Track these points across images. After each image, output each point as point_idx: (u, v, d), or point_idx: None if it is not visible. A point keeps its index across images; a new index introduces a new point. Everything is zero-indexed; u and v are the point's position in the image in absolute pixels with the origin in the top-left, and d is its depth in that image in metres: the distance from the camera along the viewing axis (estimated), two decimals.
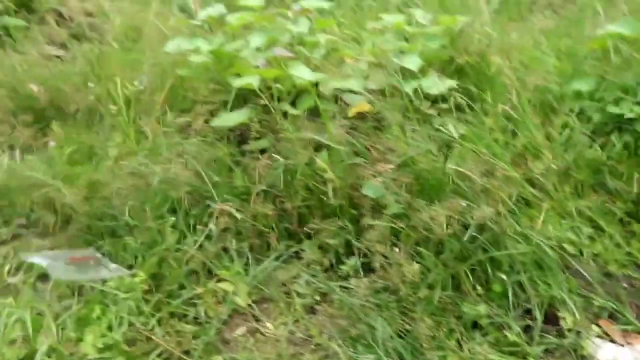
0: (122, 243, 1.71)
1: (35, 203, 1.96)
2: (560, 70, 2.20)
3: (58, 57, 3.01)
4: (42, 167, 1.99)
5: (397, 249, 1.46)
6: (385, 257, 1.47)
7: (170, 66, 2.39)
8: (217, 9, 2.42)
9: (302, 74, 1.91)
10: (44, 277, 1.71)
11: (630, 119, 1.90)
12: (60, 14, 3.49)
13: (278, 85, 2.01)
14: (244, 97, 2.08)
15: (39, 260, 1.64)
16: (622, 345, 1.41)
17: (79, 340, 1.42)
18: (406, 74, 2.10)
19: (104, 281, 1.61)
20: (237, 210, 1.62)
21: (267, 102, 1.89)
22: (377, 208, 1.66)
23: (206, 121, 2.07)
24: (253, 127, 1.96)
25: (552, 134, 1.90)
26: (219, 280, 1.62)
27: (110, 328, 1.45)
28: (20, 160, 2.16)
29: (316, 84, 2.05)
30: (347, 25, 2.69)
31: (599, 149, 1.86)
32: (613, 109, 1.95)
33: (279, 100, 1.98)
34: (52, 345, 1.38)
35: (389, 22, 2.41)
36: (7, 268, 1.74)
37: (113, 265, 1.68)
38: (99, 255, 1.73)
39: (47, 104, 2.36)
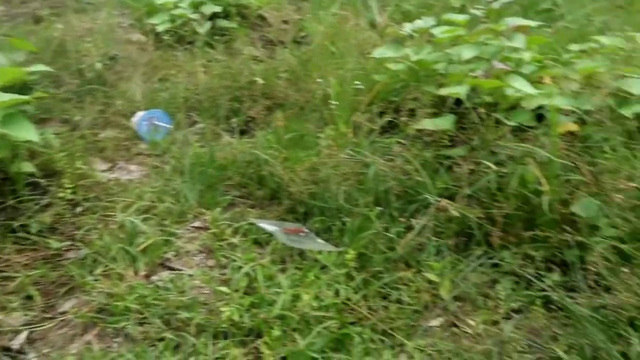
0: (331, 223, 1.89)
1: (251, 178, 2.25)
2: None
3: (263, 56, 3.40)
4: (262, 148, 2.27)
5: (625, 270, 1.41)
6: (601, 275, 1.43)
7: (371, 71, 2.59)
8: (427, 22, 2.55)
9: (524, 87, 1.93)
10: (258, 242, 1.96)
11: None
12: (264, 19, 3.94)
13: (486, 97, 2.08)
14: (435, 105, 2.17)
15: (265, 225, 1.88)
16: None
17: (297, 297, 1.60)
18: (623, 98, 2.03)
19: (313, 253, 1.80)
20: (452, 206, 1.70)
21: (475, 112, 1.96)
22: (589, 228, 1.62)
23: (408, 124, 2.20)
24: (448, 134, 2.05)
25: None
26: (418, 271, 1.71)
27: (323, 293, 1.62)
28: (239, 140, 2.49)
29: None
30: (545, 45, 2.66)
31: None
32: None
33: (485, 111, 2.04)
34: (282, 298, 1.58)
35: (603, 44, 2.34)
36: (228, 230, 2.02)
37: (321, 241, 1.86)
38: (307, 230, 1.93)
39: (264, 95, 2.69)
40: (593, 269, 1.47)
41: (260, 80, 2.64)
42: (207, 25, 3.53)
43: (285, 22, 3.95)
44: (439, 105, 2.21)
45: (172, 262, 1.90)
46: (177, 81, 3.02)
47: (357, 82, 2.27)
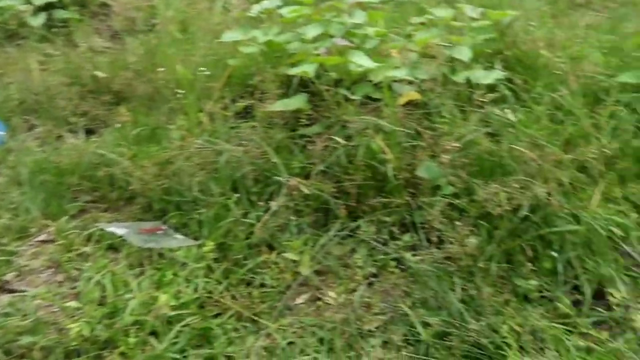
0: (188, 217, 1.82)
1: (101, 180, 2.08)
2: (606, 64, 2.25)
3: (108, 48, 3.16)
4: (109, 147, 2.11)
5: (458, 223, 1.53)
6: (441, 231, 1.55)
7: (224, 56, 2.52)
8: (273, 2, 2.52)
9: (364, 61, 1.99)
10: (113, 248, 1.83)
11: None
12: (109, 7, 3.66)
13: (333, 74, 2.12)
14: (290, 85, 2.18)
15: (115, 229, 1.76)
16: None
17: (155, 299, 1.52)
18: (455, 65, 2.19)
19: (173, 251, 1.72)
20: (303, 184, 1.71)
21: (323, 89, 1.99)
22: (432, 189, 1.74)
23: (261, 107, 2.18)
24: (305, 113, 2.07)
25: (599, 123, 1.95)
26: (280, 253, 1.71)
27: (182, 291, 1.55)
28: (84, 141, 2.29)
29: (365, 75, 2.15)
30: (390, 19, 2.79)
31: None
32: None
33: (335, 87, 2.08)
34: (133, 303, 1.48)
35: (437, 16, 2.50)
36: (78, 239, 1.86)
37: (180, 236, 1.79)
38: (165, 227, 1.84)
39: (109, 90, 2.50)
40: (435, 226, 1.58)
41: (101, 74, 2.44)
42: (41, 17, 3.18)
43: (134, 8, 3.70)
44: (295, 85, 2.21)
45: (12, 283, 1.71)
46: (8, 82, 2.70)
47: (203, 69, 2.19)
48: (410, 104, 2.11)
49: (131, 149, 2.04)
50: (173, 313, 1.47)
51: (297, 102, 2.06)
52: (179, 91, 2.12)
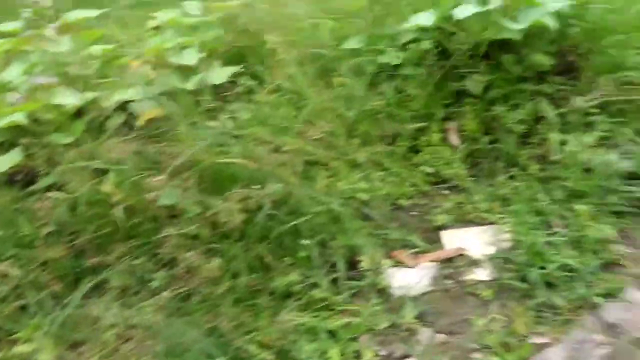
0: None
1: None
2: (335, 33, 2.32)
3: None
4: None
5: (190, 253, 1.44)
6: (185, 260, 1.45)
7: None
8: None
9: (67, 99, 1.78)
10: None
11: (396, 65, 2.07)
12: None
13: (48, 116, 1.87)
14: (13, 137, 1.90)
15: None
16: (413, 268, 1.56)
17: None
18: (187, 70, 2.08)
19: None
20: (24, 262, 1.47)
21: (34, 138, 1.75)
22: (177, 215, 1.63)
23: None
24: (32, 166, 1.81)
25: (333, 95, 2.00)
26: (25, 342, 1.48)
27: None
28: None
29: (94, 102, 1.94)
30: (128, 27, 2.57)
31: (375, 98, 2.00)
32: (381, 59, 2.11)
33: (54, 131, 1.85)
34: None
35: (164, 19, 2.35)
36: None
37: None
38: None
39: None
40: (178, 257, 1.48)
41: None
42: None
43: None
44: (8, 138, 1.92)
45: None
46: None
47: None
48: (153, 122, 1.96)
49: None
50: None
51: (10, 159, 1.79)
52: None
